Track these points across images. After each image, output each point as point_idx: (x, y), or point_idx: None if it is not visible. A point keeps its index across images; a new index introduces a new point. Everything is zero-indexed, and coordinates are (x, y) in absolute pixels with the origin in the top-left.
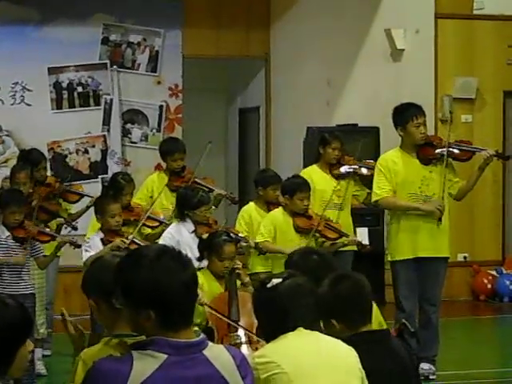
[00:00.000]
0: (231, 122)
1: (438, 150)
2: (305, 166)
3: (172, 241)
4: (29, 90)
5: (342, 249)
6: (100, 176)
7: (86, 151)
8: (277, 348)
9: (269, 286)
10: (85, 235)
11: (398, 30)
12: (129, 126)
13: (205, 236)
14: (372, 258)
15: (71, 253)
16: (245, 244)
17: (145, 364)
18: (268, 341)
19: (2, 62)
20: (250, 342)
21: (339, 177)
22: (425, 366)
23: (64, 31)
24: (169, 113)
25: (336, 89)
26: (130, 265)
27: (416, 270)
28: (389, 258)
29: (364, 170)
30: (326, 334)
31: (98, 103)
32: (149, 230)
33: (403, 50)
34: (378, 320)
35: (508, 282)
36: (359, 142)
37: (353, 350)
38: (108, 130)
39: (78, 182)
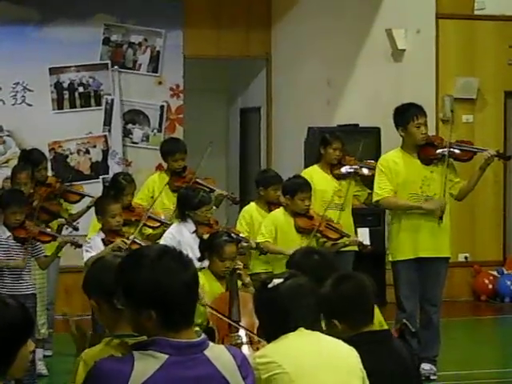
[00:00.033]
0: (232, 122)
1: (439, 150)
2: (306, 167)
3: (173, 241)
4: (30, 90)
5: (342, 249)
6: (101, 176)
7: (87, 151)
8: (278, 348)
9: (270, 286)
10: (86, 235)
11: (398, 30)
12: (130, 126)
13: (206, 236)
14: (373, 258)
15: (72, 253)
16: (245, 244)
17: (146, 364)
18: (269, 341)
19: (3, 62)
20: (250, 342)
21: (340, 177)
22: (426, 367)
23: (65, 31)
24: (170, 113)
25: (337, 89)
26: (131, 265)
27: (417, 270)
28: (390, 258)
29: (365, 171)
30: (327, 334)
31: (99, 103)
32: (150, 231)
33: (404, 50)
34: (378, 320)
35: (509, 283)
36: (360, 143)
37: (354, 350)
38: (109, 131)
39: (79, 183)
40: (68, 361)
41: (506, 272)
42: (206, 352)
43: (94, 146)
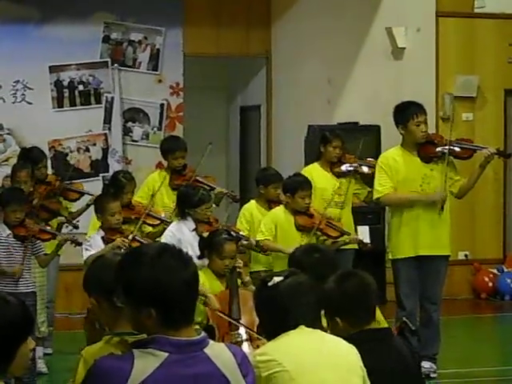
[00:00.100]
0: (232, 121)
1: (438, 148)
2: (306, 165)
3: (173, 239)
4: (30, 89)
5: (343, 247)
6: (101, 174)
7: (87, 149)
8: (278, 346)
9: (270, 284)
10: (85, 234)
11: (399, 29)
12: (130, 124)
13: (205, 234)
14: (373, 256)
15: (72, 251)
16: (245, 242)
17: (146, 362)
18: (269, 339)
19: (3, 61)
20: (250, 340)
21: (340, 175)
22: (426, 365)
23: (65, 30)
24: (170, 111)
25: (337, 87)
26: (130, 263)
27: (417, 269)
28: (390, 257)
29: (365, 169)
30: (328, 331)
31: (99, 101)
32: (150, 229)
33: (404, 48)
34: (377, 318)
35: (509, 280)
36: (360, 141)
37: (354, 348)
38: (109, 129)
39: (79, 181)
40: (68, 359)
41: (505, 270)
42: (206, 350)
43: (94, 144)
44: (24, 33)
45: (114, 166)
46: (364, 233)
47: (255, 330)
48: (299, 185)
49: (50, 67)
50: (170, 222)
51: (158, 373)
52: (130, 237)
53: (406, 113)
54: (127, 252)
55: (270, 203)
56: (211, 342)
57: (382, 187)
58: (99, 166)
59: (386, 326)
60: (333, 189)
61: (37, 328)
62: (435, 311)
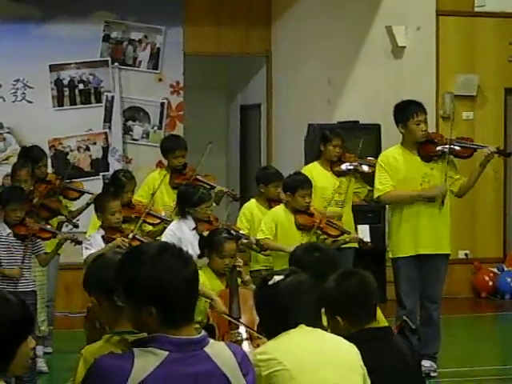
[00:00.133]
0: (232, 120)
1: (439, 147)
2: (306, 163)
3: (174, 238)
4: (30, 88)
5: (343, 246)
6: (101, 173)
7: (88, 148)
8: (278, 345)
9: (270, 283)
10: (86, 233)
11: (399, 27)
12: (130, 123)
13: (205, 233)
14: (373, 255)
15: (72, 250)
16: (246, 241)
17: (146, 361)
18: (270, 338)
19: (3, 60)
20: (251, 339)
21: (340, 174)
22: (426, 364)
23: (65, 28)
24: (170, 110)
25: (337, 86)
26: (131, 262)
27: (417, 267)
28: (390, 255)
29: (365, 168)
30: (329, 330)
31: (99, 100)
32: (150, 228)
33: (404, 47)
34: (377, 317)
35: (509, 279)
36: (360, 139)
37: (354, 347)
38: (109, 128)
39: (79, 180)
40: (68, 358)
41: (506, 269)
42: (207, 349)
43: (94, 143)
44: (24, 31)
45: (115, 164)
46: (364, 232)
47: (255, 328)
48: (299, 184)
49: (50, 66)
50: (170, 221)
51: (159, 372)
52: (131, 236)
53: (405, 112)
54: (127, 251)
55: (271, 202)
56: (211, 340)
57: (383, 185)
58: (99, 165)
59: (386, 324)
60: (333, 188)
61: (37, 327)
62: (435, 310)
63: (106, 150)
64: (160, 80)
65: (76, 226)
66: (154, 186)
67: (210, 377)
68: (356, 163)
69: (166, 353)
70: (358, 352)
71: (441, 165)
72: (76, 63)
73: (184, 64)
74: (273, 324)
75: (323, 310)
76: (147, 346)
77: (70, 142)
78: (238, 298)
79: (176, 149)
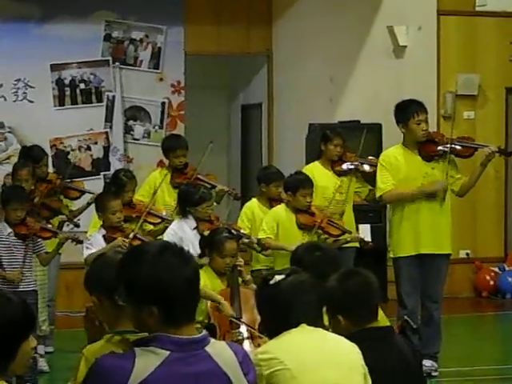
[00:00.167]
0: (233, 119)
1: (440, 147)
2: (307, 163)
3: (175, 237)
4: (31, 87)
5: (344, 245)
6: (102, 173)
7: (89, 148)
8: (280, 344)
9: (271, 282)
10: (86, 232)
11: (400, 27)
12: (131, 122)
13: (206, 233)
14: (374, 254)
15: (73, 249)
16: (247, 241)
17: (147, 360)
18: (271, 337)
19: (4, 59)
20: (252, 338)
21: (341, 173)
22: (427, 363)
23: (66, 28)
24: (171, 109)
25: (338, 86)
26: (132, 261)
27: (418, 267)
28: (391, 255)
29: (366, 167)
30: (330, 330)
31: (100, 100)
32: (151, 227)
33: (405, 46)
34: (378, 317)
35: (510, 279)
36: (361, 136)
37: (355, 346)
38: (110, 127)
39: (80, 179)
40: (69, 357)
41: (507, 268)
42: (208, 348)
43: (96, 143)
44: (25, 31)
45: (115, 164)
46: (365, 231)
47: (256, 328)
48: (300, 183)
49: (51, 65)
50: (171, 221)
51: (160, 371)
52: (131, 235)
53: (406, 111)
54: (128, 250)
55: (272, 201)
56: (212, 340)
57: (384, 184)
58: (100, 165)
59: (387, 324)
60: (334, 187)
61: (38, 326)
62: (436, 310)
63: (106, 149)
64: (161, 79)
65: (77, 226)
66: (155, 186)
67: (211, 376)
68: (357, 163)
69: (167, 352)
70: (360, 351)
71: (442, 164)
72: (77, 63)
73: (185, 63)
74: (274, 323)
75: (324, 310)
76: (148, 346)
77: (71, 142)
78: (239, 297)
79: (177, 148)
